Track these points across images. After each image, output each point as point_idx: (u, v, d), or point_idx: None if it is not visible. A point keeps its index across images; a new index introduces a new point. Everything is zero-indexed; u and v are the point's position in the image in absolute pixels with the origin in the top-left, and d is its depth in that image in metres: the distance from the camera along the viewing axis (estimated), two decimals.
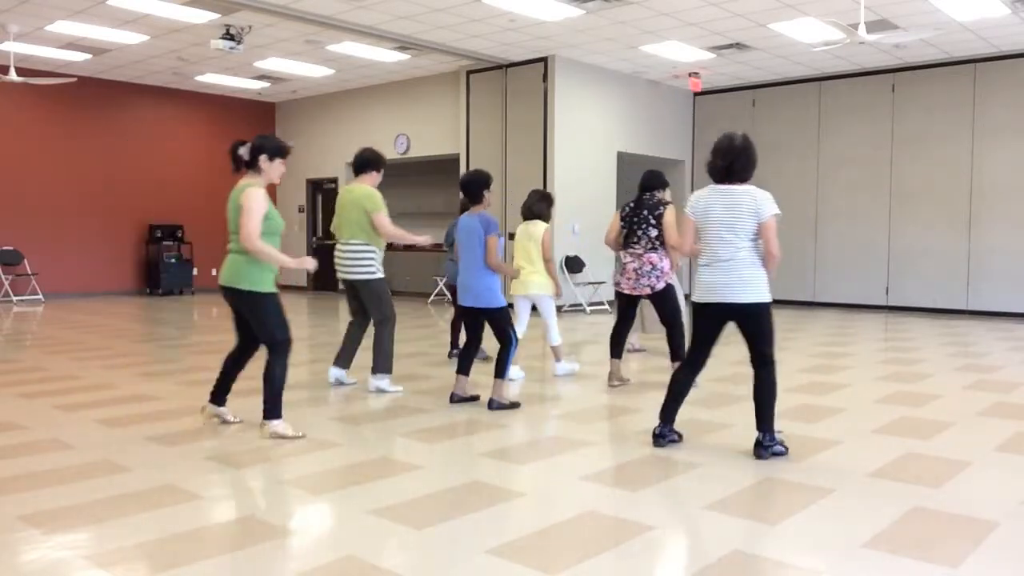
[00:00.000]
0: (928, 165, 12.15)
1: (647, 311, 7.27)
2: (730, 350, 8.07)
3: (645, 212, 6.08)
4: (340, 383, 6.23)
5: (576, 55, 11.93)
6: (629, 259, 6.10)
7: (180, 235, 15.02)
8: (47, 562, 2.91)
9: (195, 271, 15.33)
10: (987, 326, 10.56)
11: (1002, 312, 11.58)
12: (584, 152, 12.53)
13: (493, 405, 5.42)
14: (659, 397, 5.89)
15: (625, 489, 3.78)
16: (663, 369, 7.13)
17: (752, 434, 4.82)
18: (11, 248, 13.37)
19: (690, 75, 12.91)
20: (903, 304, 12.40)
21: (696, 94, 14.35)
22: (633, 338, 7.88)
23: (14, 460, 4.18)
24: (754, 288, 4.19)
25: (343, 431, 4.88)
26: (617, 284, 6.20)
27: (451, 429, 4.94)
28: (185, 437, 4.69)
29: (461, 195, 5.81)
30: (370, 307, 6.01)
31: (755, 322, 4.24)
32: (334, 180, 15.66)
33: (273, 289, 4.69)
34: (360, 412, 5.39)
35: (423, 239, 6.12)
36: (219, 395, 4.99)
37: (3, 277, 13.22)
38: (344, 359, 6.25)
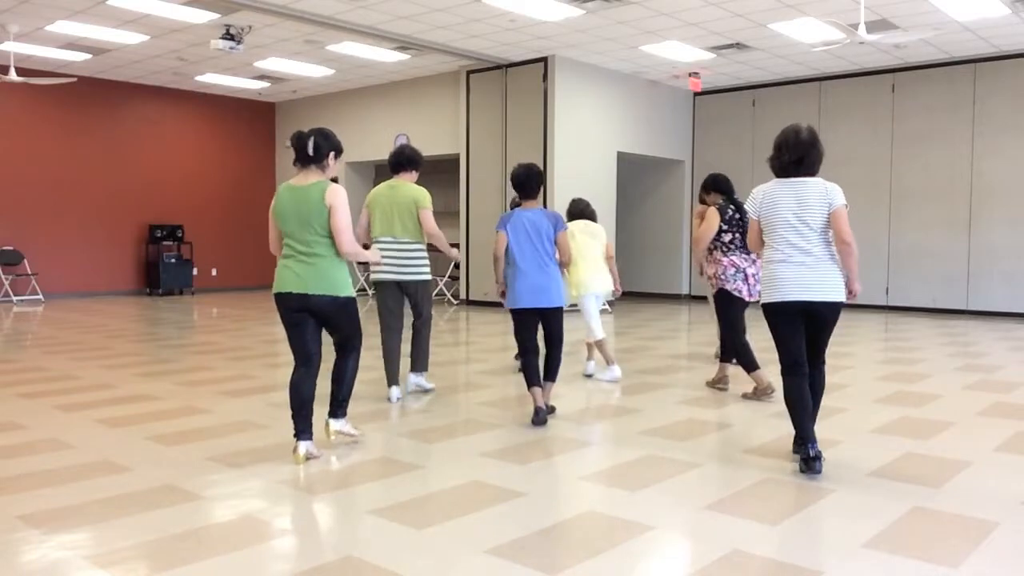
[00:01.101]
0: (928, 165, 12.15)
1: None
2: None
3: (740, 216, 5.88)
4: (420, 387, 6.02)
5: (576, 55, 11.93)
6: (746, 264, 5.82)
7: (180, 235, 15.02)
8: (47, 562, 2.91)
9: (195, 271, 15.33)
10: (987, 326, 10.56)
11: (1002, 312, 11.58)
12: (584, 152, 12.52)
13: (543, 414, 5.07)
14: (658, 397, 5.91)
15: (625, 489, 3.78)
16: (663, 370, 7.13)
17: (756, 433, 4.82)
18: (11, 248, 13.37)
19: (690, 75, 12.90)
20: (903, 304, 12.39)
21: (696, 94, 14.34)
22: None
23: (14, 460, 4.19)
24: (837, 287, 4.08)
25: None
26: (739, 291, 5.81)
27: (451, 429, 4.94)
28: (185, 437, 4.69)
29: (515, 193, 5.47)
30: (420, 306, 5.83)
31: (833, 321, 4.14)
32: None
33: (355, 293, 4.46)
34: (360, 412, 5.39)
35: (455, 253, 6.08)
36: (306, 427, 4.36)
37: (3, 277, 13.22)
38: (417, 362, 5.95)
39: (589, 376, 6.69)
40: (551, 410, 5.26)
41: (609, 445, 4.61)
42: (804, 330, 4.10)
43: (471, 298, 13.18)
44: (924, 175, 12.20)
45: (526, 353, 5.15)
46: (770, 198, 4.12)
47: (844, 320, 11.20)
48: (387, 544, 3.13)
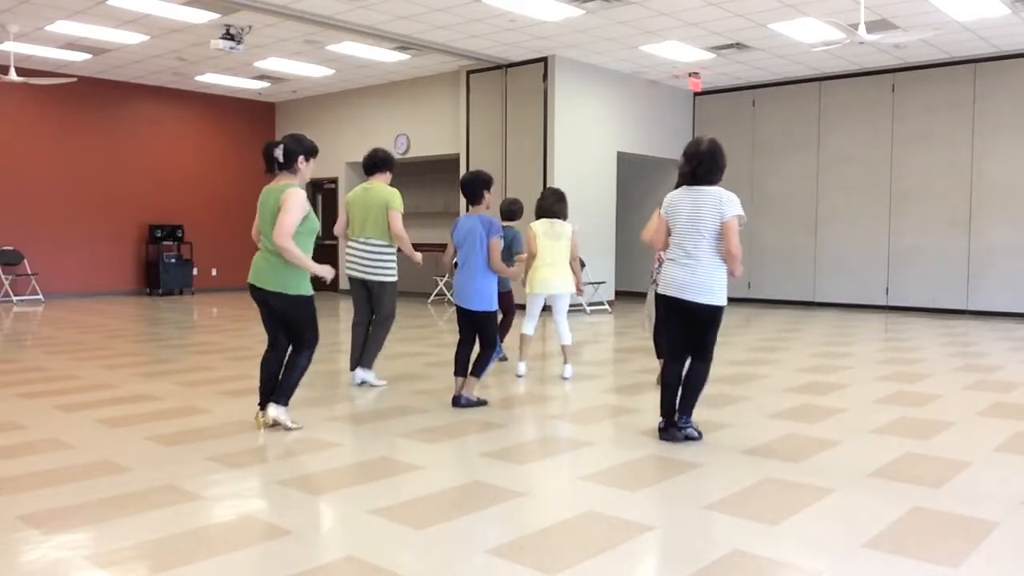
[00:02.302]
0: (928, 165, 12.15)
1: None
2: (730, 350, 8.07)
3: None
4: (364, 383, 6.23)
5: (576, 55, 11.93)
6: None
7: (180, 235, 15.02)
8: (47, 562, 2.91)
9: (195, 271, 15.33)
10: (987, 326, 10.56)
11: (1002, 312, 11.58)
12: (584, 152, 12.53)
13: (460, 401, 5.48)
14: (658, 397, 5.90)
15: (625, 489, 3.78)
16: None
17: (756, 433, 4.83)
18: (11, 248, 13.37)
19: (690, 75, 12.91)
20: (903, 304, 12.40)
21: (696, 94, 14.34)
22: None
23: (14, 460, 4.19)
24: (714, 291, 4.41)
25: (343, 431, 4.88)
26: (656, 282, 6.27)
27: (451, 429, 4.94)
28: (185, 437, 4.69)
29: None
30: (379, 305, 6.09)
31: (707, 324, 4.48)
32: (334, 180, 15.65)
33: (311, 292, 4.72)
34: (360, 412, 5.39)
35: (418, 256, 6.16)
36: (267, 398, 4.87)
37: (3, 277, 13.23)
38: (365, 357, 6.22)
39: (520, 376, 6.72)
40: (480, 402, 5.53)
41: (609, 445, 4.61)
42: (682, 324, 4.54)
43: None
44: (924, 175, 12.20)
45: (458, 344, 5.56)
46: (675, 204, 4.50)
47: (844, 320, 11.21)
48: (387, 544, 3.13)
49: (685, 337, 4.55)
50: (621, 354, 7.93)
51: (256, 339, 8.78)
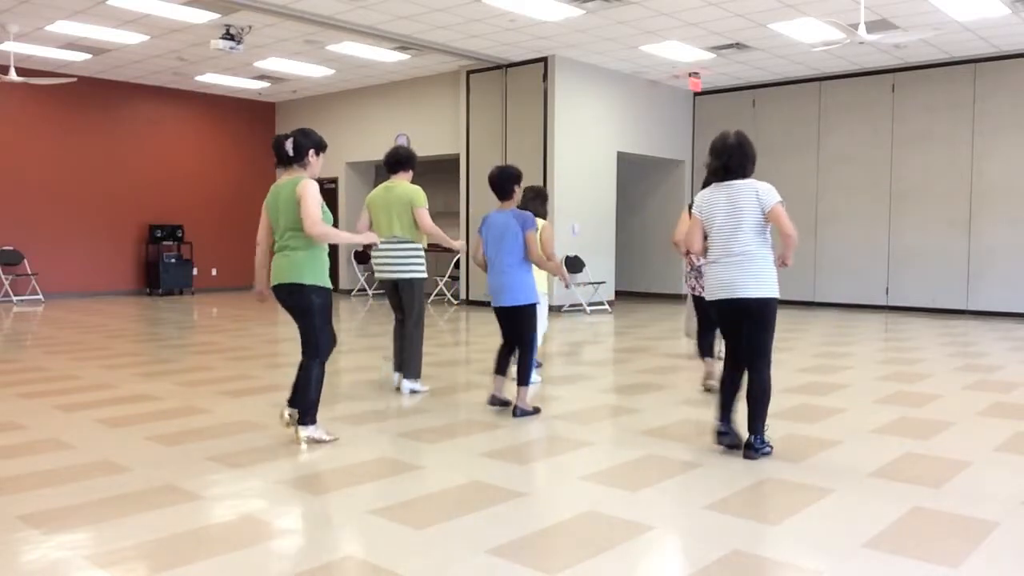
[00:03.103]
0: (928, 165, 12.15)
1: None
2: None
3: None
4: (413, 392, 6.05)
5: (576, 55, 11.93)
6: (699, 261, 6.02)
7: (180, 235, 15.02)
8: (47, 562, 2.91)
9: (195, 271, 15.33)
10: (987, 326, 10.56)
11: (1002, 312, 11.58)
12: (584, 152, 12.53)
13: (517, 412, 5.26)
14: (658, 397, 5.91)
15: (625, 489, 3.78)
16: (663, 370, 7.13)
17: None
18: (11, 248, 13.37)
19: (690, 75, 12.91)
20: (903, 304, 12.39)
21: (696, 94, 14.34)
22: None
23: (14, 460, 4.19)
24: (765, 283, 4.24)
25: (344, 431, 4.88)
26: (693, 288, 6.28)
27: (451, 429, 4.94)
28: (185, 437, 4.69)
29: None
30: (409, 307, 5.95)
31: (761, 318, 4.25)
32: (334, 180, 15.65)
33: (330, 286, 4.62)
34: (360, 412, 5.39)
35: (458, 244, 6.09)
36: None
37: (3, 277, 13.23)
38: (406, 366, 6.07)
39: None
40: (535, 411, 5.33)
41: (609, 445, 4.61)
42: (740, 327, 4.34)
43: (471, 298, 13.18)
44: (924, 175, 12.20)
45: (501, 344, 5.46)
46: (708, 202, 4.36)
47: (844, 320, 11.21)
48: (387, 544, 3.13)
49: (739, 339, 4.36)
50: (621, 354, 7.92)
51: (256, 339, 8.79)
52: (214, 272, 15.74)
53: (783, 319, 11.34)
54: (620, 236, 13.91)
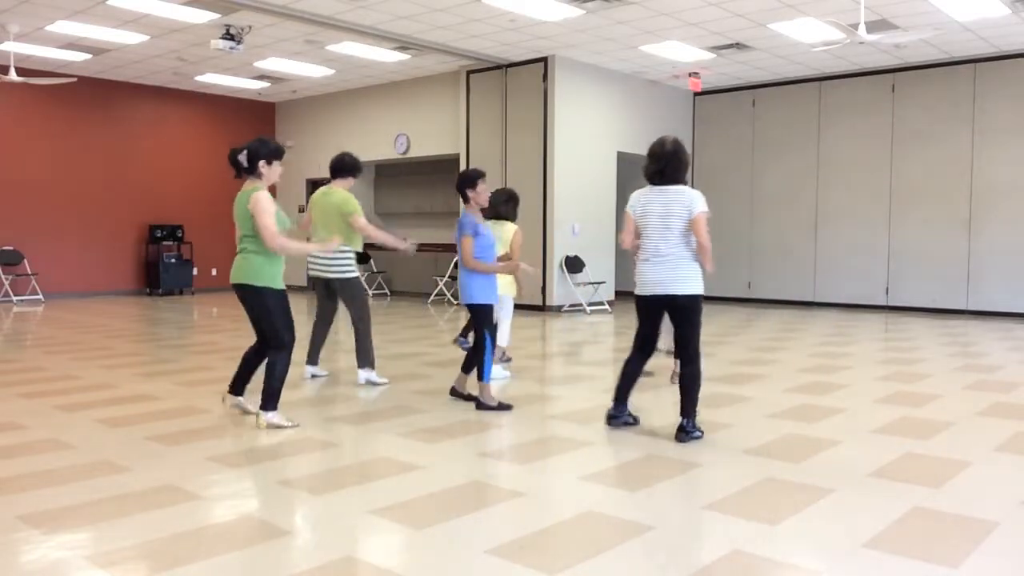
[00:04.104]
0: (928, 165, 12.15)
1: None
2: (731, 350, 8.07)
3: None
4: (315, 376, 6.56)
5: (576, 55, 11.93)
6: None
7: (180, 235, 15.02)
8: (47, 562, 2.91)
9: (195, 271, 15.33)
10: (987, 326, 10.56)
11: (1002, 312, 11.58)
12: (584, 152, 12.52)
13: (477, 406, 5.47)
14: (658, 398, 5.91)
15: (625, 489, 3.78)
16: (663, 369, 7.13)
17: (756, 433, 4.84)
18: (11, 248, 13.37)
19: (690, 75, 12.90)
20: (903, 304, 12.39)
21: (696, 94, 14.34)
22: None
23: (14, 460, 4.19)
24: (692, 282, 4.57)
25: (342, 431, 4.89)
26: None
27: (451, 429, 4.94)
28: (185, 437, 4.69)
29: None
30: (349, 306, 6.29)
31: (691, 313, 4.59)
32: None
33: (282, 287, 4.80)
34: (360, 412, 5.39)
35: (405, 246, 6.25)
36: (239, 385, 5.17)
37: (3, 277, 13.22)
38: (314, 356, 6.56)
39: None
40: (502, 407, 5.46)
41: (609, 445, 4.61)
42: (658, 321, 4.78)
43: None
44: (924, 175, 12.20)
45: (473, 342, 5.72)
46: (646, 203, 4.64)
47: (844, 320, 11.20)
48: (387, 544, 3.13)
49: (655, 332, 4.81)
50: (621, 354, 7.92)
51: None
52: (214, 272, 15.74)
53: (784, 319, 11.34)
54: (620, 236, 13.90)
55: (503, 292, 6.51)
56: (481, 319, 5.46)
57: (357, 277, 6.28)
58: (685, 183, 4.64)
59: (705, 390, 6.11)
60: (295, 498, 3.65)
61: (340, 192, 6.19)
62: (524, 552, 3.01)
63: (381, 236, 6.16)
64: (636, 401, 5.79)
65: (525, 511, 3.49)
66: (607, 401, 5.80)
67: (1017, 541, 3.16)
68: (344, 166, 6.30)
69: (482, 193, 5.53)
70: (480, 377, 5.45)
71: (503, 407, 5.45)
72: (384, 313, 12.00)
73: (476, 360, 5.49)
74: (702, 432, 4.70)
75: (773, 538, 3.17)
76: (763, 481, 3.90)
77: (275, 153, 4.89)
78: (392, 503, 3.56)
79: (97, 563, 2.89)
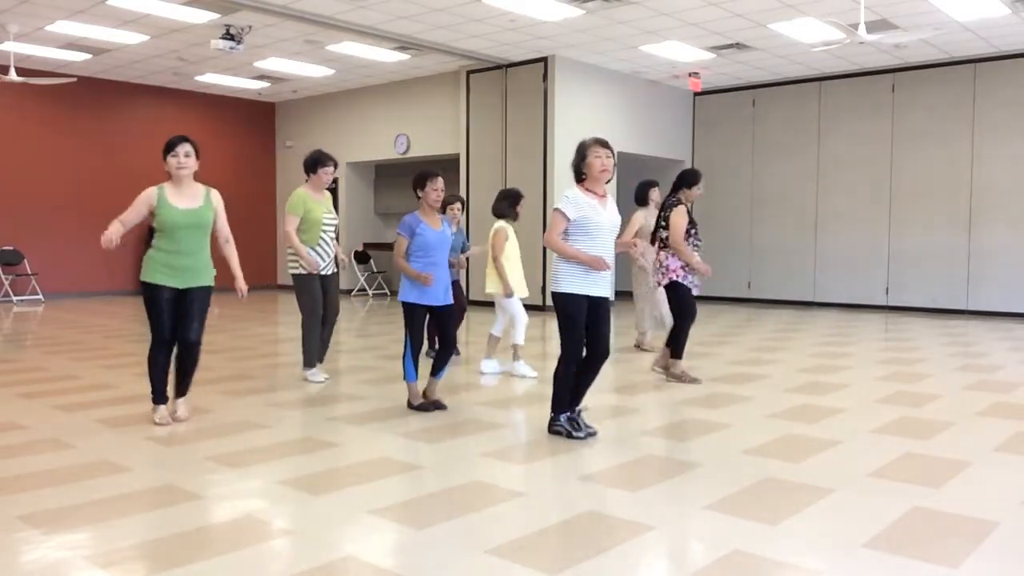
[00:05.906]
0: (928, 165, 12.15)
1: (664, 308, 7.45)
2: (730, 350, 8.07)
3: (661, 212, 6.50)
4: (308, 380, 6.54)
5: (576, 55, 11.93)
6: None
7: None
8: (47, 562, 2.91)
9: None
10: (987, 326, 10.56)
11: (1002, 312, 11.58)
12: None
13: (411, 406, 5.45)
14: (658, 397, 5.91)
15: (625, 489, 3.78)
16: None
17: (752, 434, 4.83)
18: (11, 248, 13.36)
19: (690, 75, 12.90)
20: (903, 304, 12.39)
21: (696, 94, 14.34)
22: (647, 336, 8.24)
23: (14, 460, 4.19)
24: (554, 280, 4.63)
25: (342, 431, 4.89)
26: (690, 283, 6.49)
27: (451, 429, 4.94)
28: (185, 437, 4.69)
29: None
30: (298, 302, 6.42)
31: (607, 312, 4.70)
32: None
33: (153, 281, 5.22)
34: (360, 413, 5.39)
35: (309, 260, 6.20)
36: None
37: (3, 277, 13.22)
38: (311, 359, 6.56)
39: (484, 374, 6.82)
40: (436, 407, 5.43)
41: (609, 445, 4.61)
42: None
43: (472, 298, 13.17)
44: (924, 175, 12.20)
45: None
46: (589, 203, 4.62)
47: (844, 320, 11.20)
48: (387, 544, 3.13)
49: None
50: (621, 354, 7.92)
51: (257, 339, 8.79)
52: (214, 272, 15.73)
53: (784, 319, 11.34)
54: (620, 236, 13.90)
55: (491, 292, 6.69)
56: (405, 317, 5.38)
57: (299, 275, 6.29)
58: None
59: (705, 390, 6.14)
60: (295, 498, 3.65)
61: (295, 191, 6.34)
62: (524, 552, 3.01)
63: (297, 246, 6.20)
64: (635, 401, 5.79)
65: (525, 511, 3.49)
66: (607, 401, 5.80)
67: (1017, 541, 3.16)
68: (306, 164, 6.43)
69: (431, 193, 5.57)
70: (405, 377, 5.41)
71: (424, 408, 5.39)
72: (384, 313, 12.01)
73: (441, 360, 5.49)
74: (572, 431, 4.67)
75: (773, 538, 3.17)
76: (763, 481, 3.90)
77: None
78: (392, 503, 3.56)
79: (97, 563, 2.89)
